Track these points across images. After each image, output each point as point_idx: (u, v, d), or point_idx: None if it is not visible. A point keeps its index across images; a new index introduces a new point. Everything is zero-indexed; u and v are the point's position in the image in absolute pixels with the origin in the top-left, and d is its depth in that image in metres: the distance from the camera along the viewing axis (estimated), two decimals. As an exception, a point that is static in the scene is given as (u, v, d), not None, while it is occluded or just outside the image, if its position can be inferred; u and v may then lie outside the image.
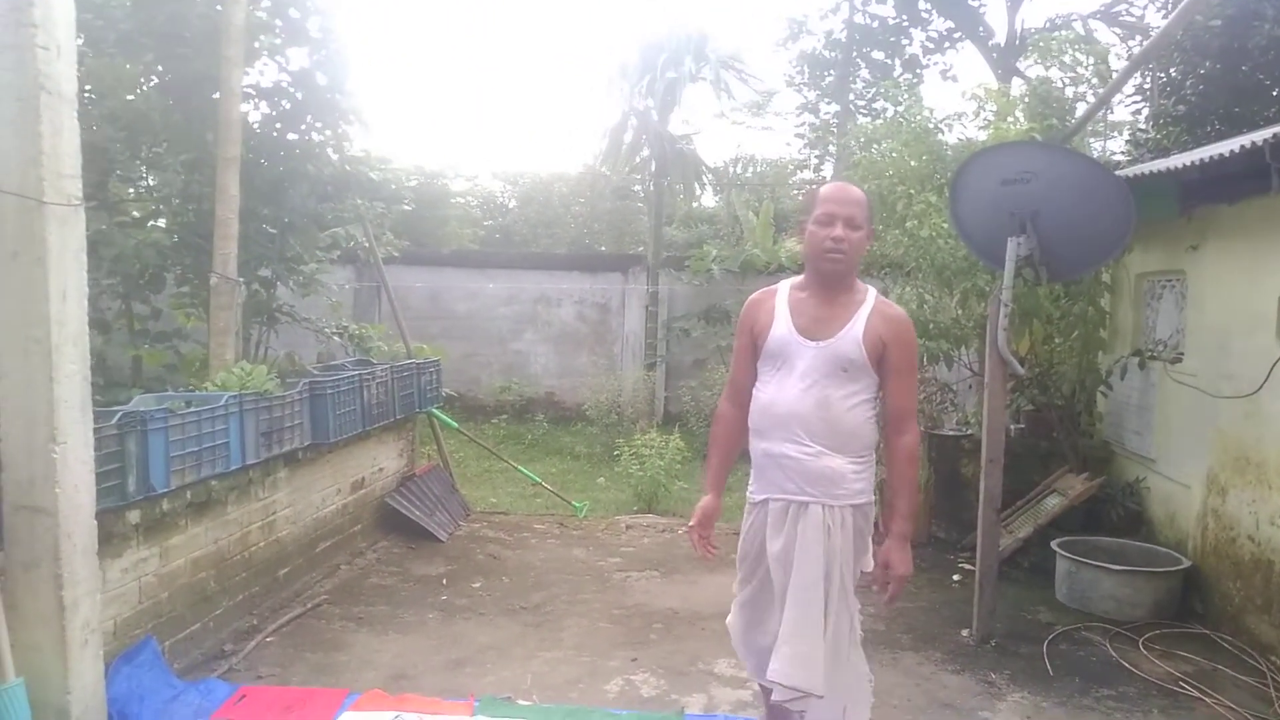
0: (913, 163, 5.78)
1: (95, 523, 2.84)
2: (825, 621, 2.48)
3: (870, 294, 2.63)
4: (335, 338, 6.70)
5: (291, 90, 6.48)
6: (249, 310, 5.93)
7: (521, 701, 3.50)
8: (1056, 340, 5.93)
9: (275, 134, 6.41)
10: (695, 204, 17.25)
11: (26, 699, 2.60)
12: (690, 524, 2.78)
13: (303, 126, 6.39)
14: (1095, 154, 8.58)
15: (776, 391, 2.56)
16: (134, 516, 3.38)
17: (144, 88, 6.32)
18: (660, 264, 11.16)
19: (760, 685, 2.83)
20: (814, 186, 3.00)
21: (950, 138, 5.60)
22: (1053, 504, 5.60)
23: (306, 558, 4.78)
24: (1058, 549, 5.00)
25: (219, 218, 5.08)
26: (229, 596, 4.10)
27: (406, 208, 8.15)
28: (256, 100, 6.41)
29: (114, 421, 3.23)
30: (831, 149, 14.86)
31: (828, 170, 15.98)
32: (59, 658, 2.69)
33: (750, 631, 2.73)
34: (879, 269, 6.36)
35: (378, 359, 6.32)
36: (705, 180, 14.47)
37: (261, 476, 4.32)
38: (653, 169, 12.30)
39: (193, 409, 3.77)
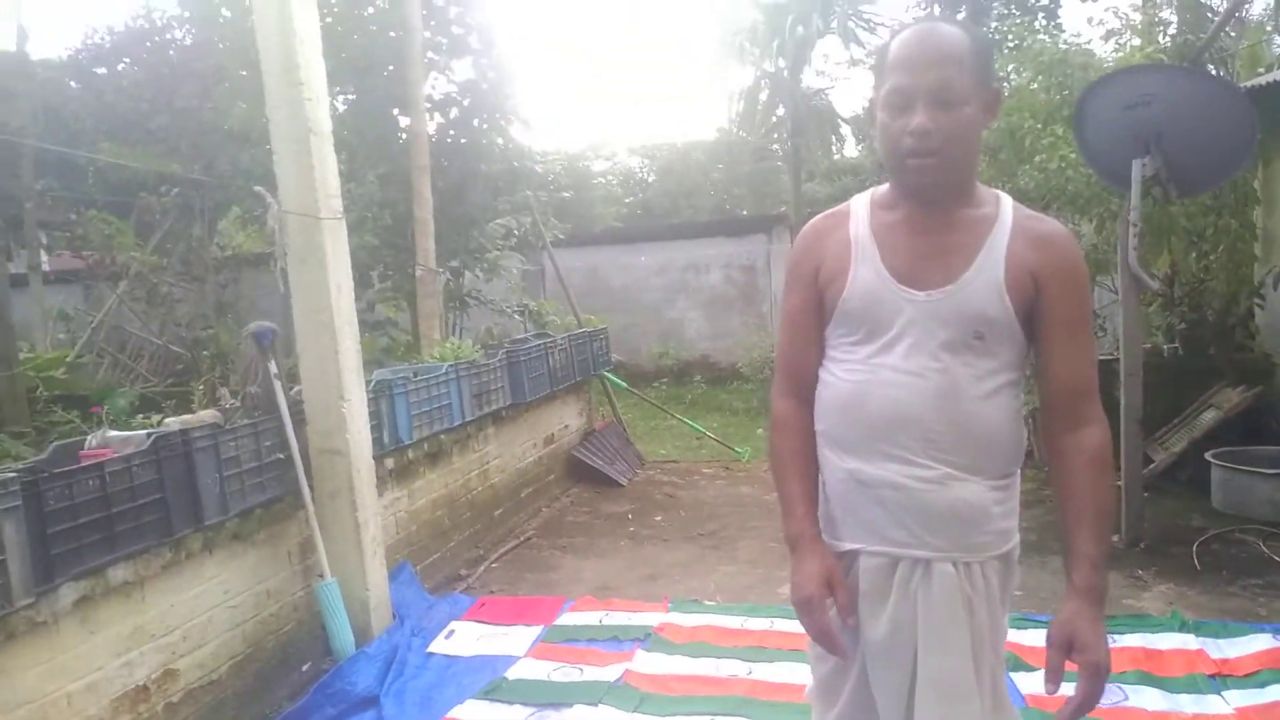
0: (1041, 95, 5.95)
1: (373, 462, 3.68)
2: None
3: (1005, 204, 1.61)
4: (515, 315, 7.56)
5: (459, 99, 7.35)
6: (444, 296, 6.86)
7: (707, 602, 4.15)
8: (1210, 256, 5.97)
9: (450, 140, 7.31)
10: (836, 156, 17.30)
11: (339, 593, 3.46)
12: (802, 600, 1.63)
13: (475, 129, 7.24)
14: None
15: (867, 377, 1.59)
16: (389, 463, 4.23)
17: (337, 111, 7.36)
18: (802, 220, 11.49)
19: None
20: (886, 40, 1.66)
21: (1078, 65, 5.72)
22: (1208, 418, 5.70)
23: (514, 501, 5.61)
24: (1212, 459, 5.15)
25: (418, 218, 5.97)
26: (459, 531, 4.95)
27: (565, 195, 8.94)
28: (431, 112, 7.30)
29: (370, 387, 4.07)
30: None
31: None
32: (358, 564, 3.55)
33: None
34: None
35: (552, 331, 7.12)
36: (842, 132, 14.60)
37: (476, 431, 5.16)
38: (789, 128, 12.60)
39: (422, 377, 4.61)
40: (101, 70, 8.06)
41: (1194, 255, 5.85)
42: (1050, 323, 1.58)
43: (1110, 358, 6.47)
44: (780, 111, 12.48)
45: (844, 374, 1.63)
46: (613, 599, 4.23)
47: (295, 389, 3.64)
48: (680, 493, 6.22)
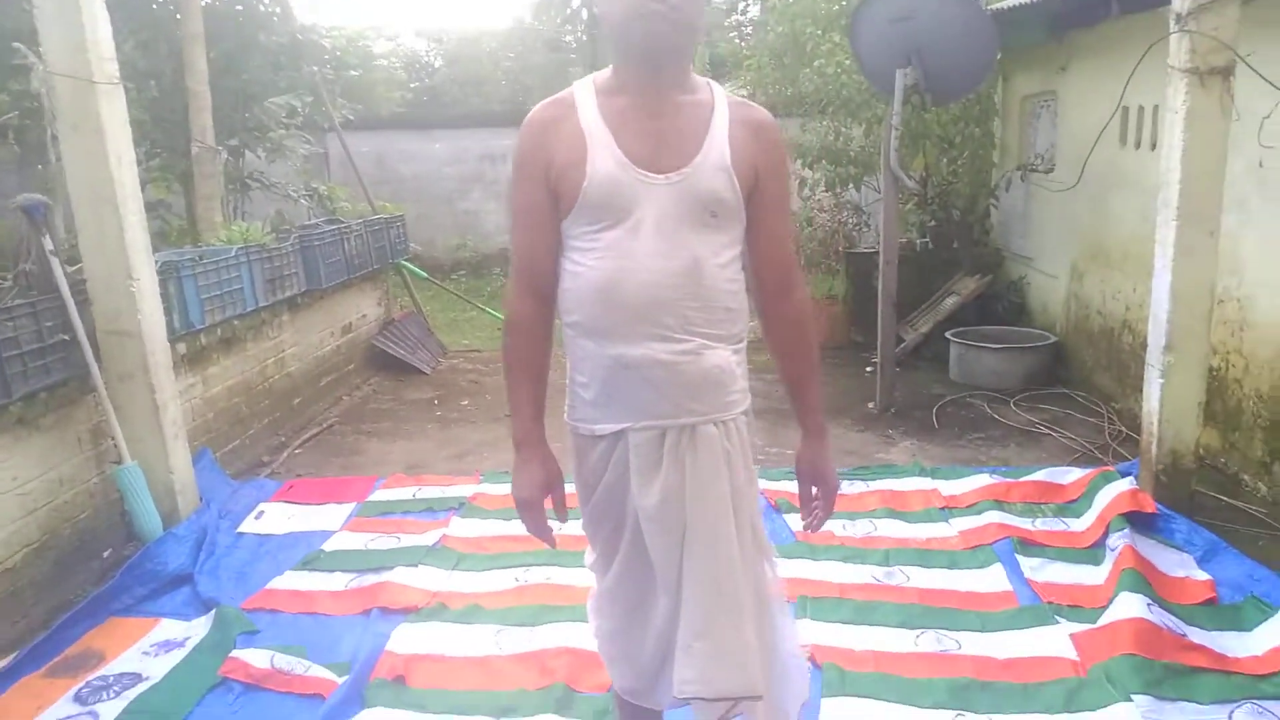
0: (822, 4, 6.36)
1: (169, 344, 3.54)
2: (747, 584, 1.72)
3: (717, 90, 1.71)
4: (302, 200, 7.21)
5: (231, -41, 6.72)
6: (223, 178, 6.42)
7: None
8: (958, 162, 6.72)
9: (222, 6, 6.70)
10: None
11: (142, 476, 3.37)
12: (522, 500, 1.78)
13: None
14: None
15: (618, 262, 1.63)
16: (181, 349, 4.05)
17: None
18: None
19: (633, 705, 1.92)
20: None
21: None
22: (950, 303, 6.55)
23: (313, 389, 5.53)
24: (950, 337, 5.96)
25: (192, 91, 5.52)
26: (258, 420, 4.85)
27: (354, 74, 8.48)
28: (199, -28, 6.63)
29: (156, 268, 3.85)
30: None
31: (754, 10, 16.16)
32: (159, 447, 3.46)
33: (627, 636, 1.85)
34: (798, 108, 6.99)
35: (344, 217, 6.87)
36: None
37: (271, 318, 5.00)
38: (584, 18, 12.47)
39: (210, 260, 4.40)
40: None
41: (945, 160, 6.56)
42: (764, 204, 1.69)
43: (872, 250, 7.21)
44: (576, 3, 12.31)
45: (593, 262, 1.64)
46: (424, 475, 4.38)
47: (75, 268, 3.41)
48: (485, 379, 6.36)
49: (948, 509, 3.74)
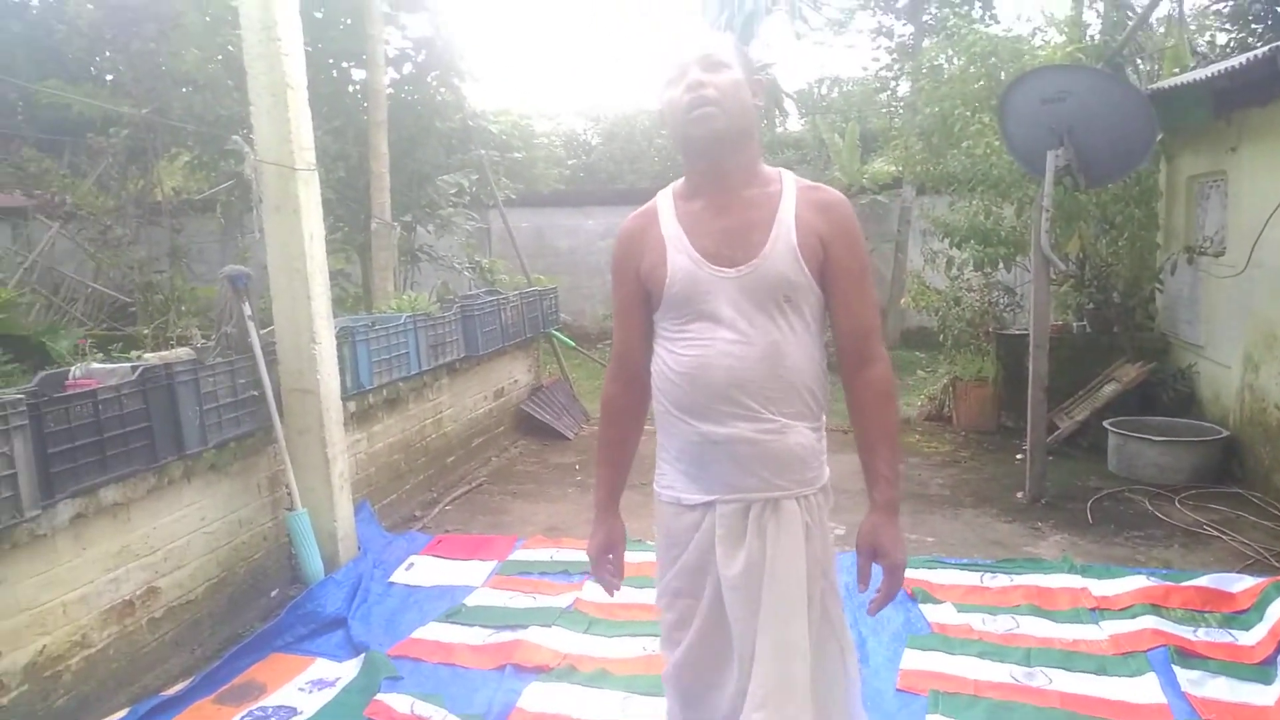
0: (977, 84, 6.35)
1: (341, 402, 3.88)
2: (810, 663, 1.77)
3: (786, 177, 1.83)
4: (465, 272, 7.72)
5: (413, 54, 7.40)
6: (397, 250, 6.98)
7: (648, 541, 4.46)
8: (1119, 243, 6.47)
9: (404, 96, 7.37)
10: (780, 129, 17.54)
11: (310, 523, 3.68)
12: (590, 558, 2.02)
13: (430, 84, 7.31)
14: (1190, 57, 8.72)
15: (704, 350, 1.77)
16: (350, 407, 4.41)
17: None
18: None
19: None
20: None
21: (1009, 55, 6.11)
22: (1109, 391, 6.23)
23: (466, 449, 5.85)
24: (1109, 426, 5.66)
25: (374, 173, 6.07)
26: (414, 475, 5.17)
27: (517, 156, 9.07)
28: (385, 67, 7.34)
29: (336, 332, 4.24)
30: (908, 67, 15.02)
31: (904, 88, 16.14)
32: (326, 497, 3.77)
33: (698, 705, 1.91)
34: (946, 186, 6.94)
35: (502, 288, 7.30)
36: (786, 107, 14.89)
37: (431, 381, 5.36)
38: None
39: (381, 326, 4.79)
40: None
41: (1104, 241, 6.33)
42: (836, 277, 1.79)
43: (1024, 332, 6.98)
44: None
45: (682, 350, 1.80)
46: (562, 538, 4.53)
47: (266, 330, 3.81)
48: (623, 447, 6.51)
49: (1098, 610, 3.54)
